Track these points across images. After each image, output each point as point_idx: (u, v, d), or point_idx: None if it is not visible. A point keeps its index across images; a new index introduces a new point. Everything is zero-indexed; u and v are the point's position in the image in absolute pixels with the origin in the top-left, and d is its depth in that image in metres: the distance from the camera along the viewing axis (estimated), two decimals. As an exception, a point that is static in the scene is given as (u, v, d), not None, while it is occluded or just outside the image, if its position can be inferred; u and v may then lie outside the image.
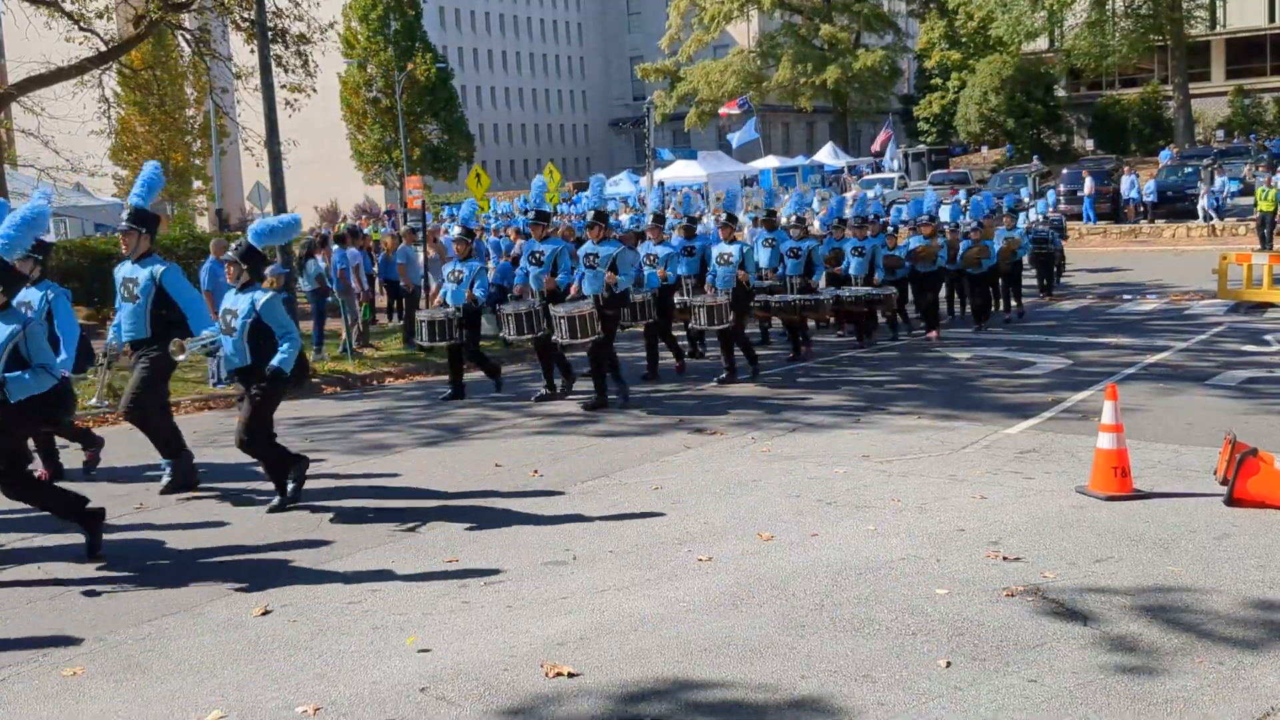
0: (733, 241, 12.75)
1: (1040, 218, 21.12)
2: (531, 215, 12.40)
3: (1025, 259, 19.71)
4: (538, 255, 11.80)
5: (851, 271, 14.95)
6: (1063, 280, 22.30)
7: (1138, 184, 34.39)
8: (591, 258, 11.57)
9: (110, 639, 5.54)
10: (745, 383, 12.29)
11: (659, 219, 14.09)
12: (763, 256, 13.92)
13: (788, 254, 14.17)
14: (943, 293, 17.03)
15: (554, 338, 11.47)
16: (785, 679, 4.76)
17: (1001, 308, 17.43)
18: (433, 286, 13.97)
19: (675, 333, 14.15)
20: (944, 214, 19.06)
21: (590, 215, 12.25)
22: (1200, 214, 32.31)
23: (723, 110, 46.70)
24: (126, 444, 10.04)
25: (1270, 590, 5.58)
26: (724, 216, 13.28)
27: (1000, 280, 17.13)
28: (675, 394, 11.98)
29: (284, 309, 7.93)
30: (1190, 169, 34.66)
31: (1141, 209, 34.20)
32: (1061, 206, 27.88)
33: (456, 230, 11.37)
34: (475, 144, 57.72)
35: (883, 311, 15.41)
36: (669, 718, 4.49)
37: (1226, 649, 4.92)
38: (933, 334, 15.55)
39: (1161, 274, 22.81)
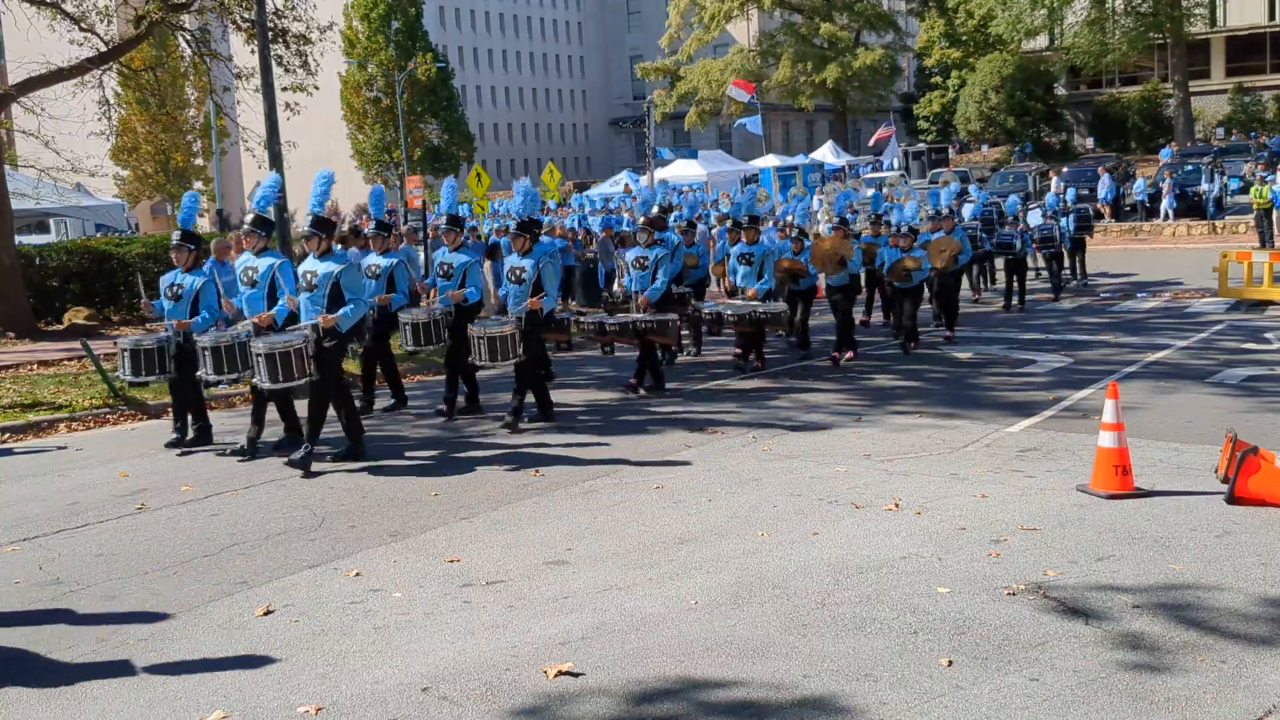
0: (527, 254, 10.49)
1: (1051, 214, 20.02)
2: (250, 221, 9.74)
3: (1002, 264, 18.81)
4: (251, 272, 9.48)
5: (739, 282, 13.15)
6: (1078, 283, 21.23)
7: (1111, 184, 34.39)
8: (636, 263, 11.25)
9: (112, 639, 5.55)
10: (536, 426, 10.46)
11: (454, 221, 11.42)
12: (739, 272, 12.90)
13: (633, 264, 12.14)
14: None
15: (254, 380, 9.31)
16: (787, 678, 4.76)
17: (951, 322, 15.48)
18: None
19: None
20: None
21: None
22: (1162, 213, 33.42)
23: (735, 82, 46.57)
24: (131, 444, 10.05)
25: (1272, 588, 5.58)
26: (513, 224, 10.85)
27: (946, 292, 15.23)
28: (675, 393, 11.98)
29: None
30: (1190, 167, 34.71)
31: (1129, 209, 34.43)
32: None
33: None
34: (475, 143, 57.81)
35: (775, 330, 13.41)
36: (670, 717, 4.49)
37: (1229, 647, 4.92)
38: (848, 355, 13.62)
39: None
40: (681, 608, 5.62)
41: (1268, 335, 14.23)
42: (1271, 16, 56.32)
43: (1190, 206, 32.99)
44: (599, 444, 9.67)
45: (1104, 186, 34.16)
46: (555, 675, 4.86)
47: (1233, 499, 7.00)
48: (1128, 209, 34.56)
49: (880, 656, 4.93)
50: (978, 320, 17.01)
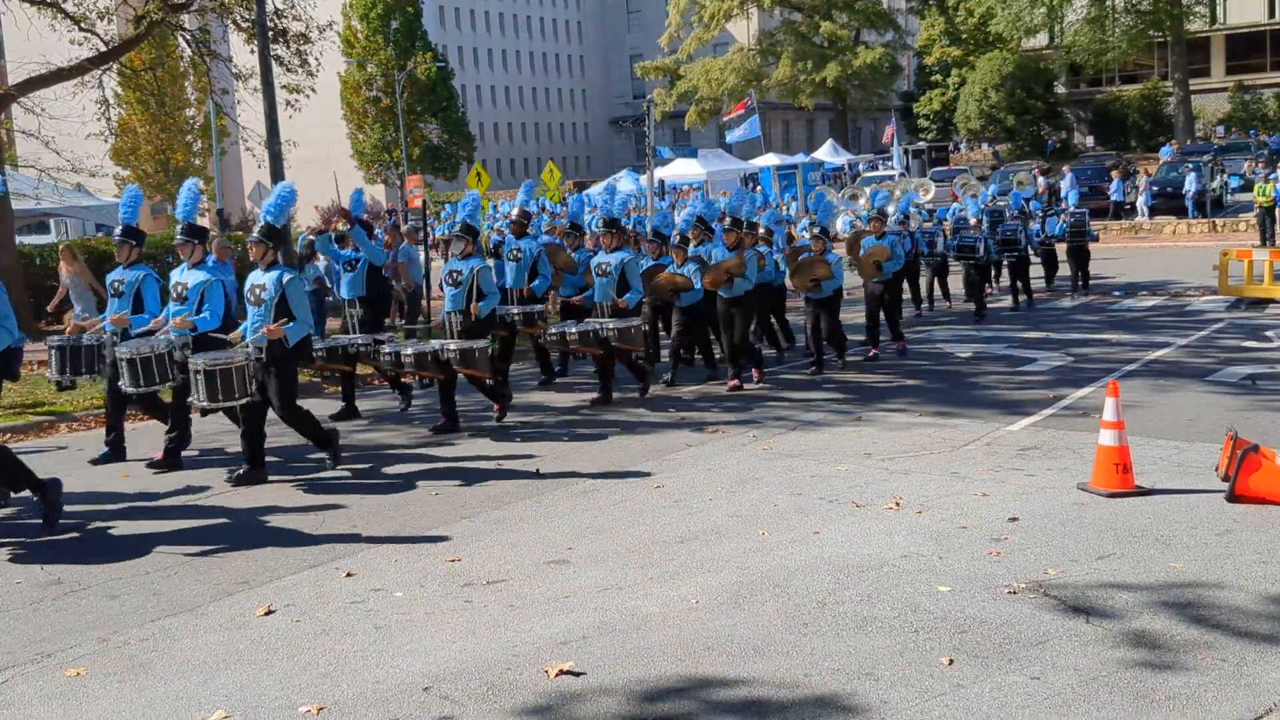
0: (272, 267, 8.69)
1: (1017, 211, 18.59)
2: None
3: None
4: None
5: (596, 298, 11.53)
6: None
7: (1075, 183, 34.09)
8: (449, 278, 10.02)
9: (114, 639, 5.55)
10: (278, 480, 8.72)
11: (192, 231, 9.26)
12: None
13: (446, 280, 10.58)
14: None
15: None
16: (788, 677, 4.76)
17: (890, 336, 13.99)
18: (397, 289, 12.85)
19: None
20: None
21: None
22: (1139, 211, 33.67)
23: (730, 112, 46.67)
24: (131, 444, 10.03)
25: (1273, 586, 5.58)
26: (258, 230, 8.94)
27: (877, 306, 13.63)
28: (675, 391, 11.97)
29: None
30: (1191, 164, 34.72)
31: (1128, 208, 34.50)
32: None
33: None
34: (475, 143, 57.80)
35: (631, 351, 11.36)
36: (672, 716, 4.49)
37: (1230, 645, 4.92)
38: (732, 381, 11.84)
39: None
40: (682, 607, 5.63)
41: (1268, 333, 14.22)
42: (1271, 14, 56.37)
43: (1180, 207, 32.98)
44: (599, 444, 9.67)
45: (1068, 185, 33.53)
46: (556, 674, 4.86)
47: (1233, 497, 7.00)
48: (1127, 208, 34.56)
49: (881, 655, 4.93)
50: (975, 319, 16.98)
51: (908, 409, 10.55)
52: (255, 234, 8.86)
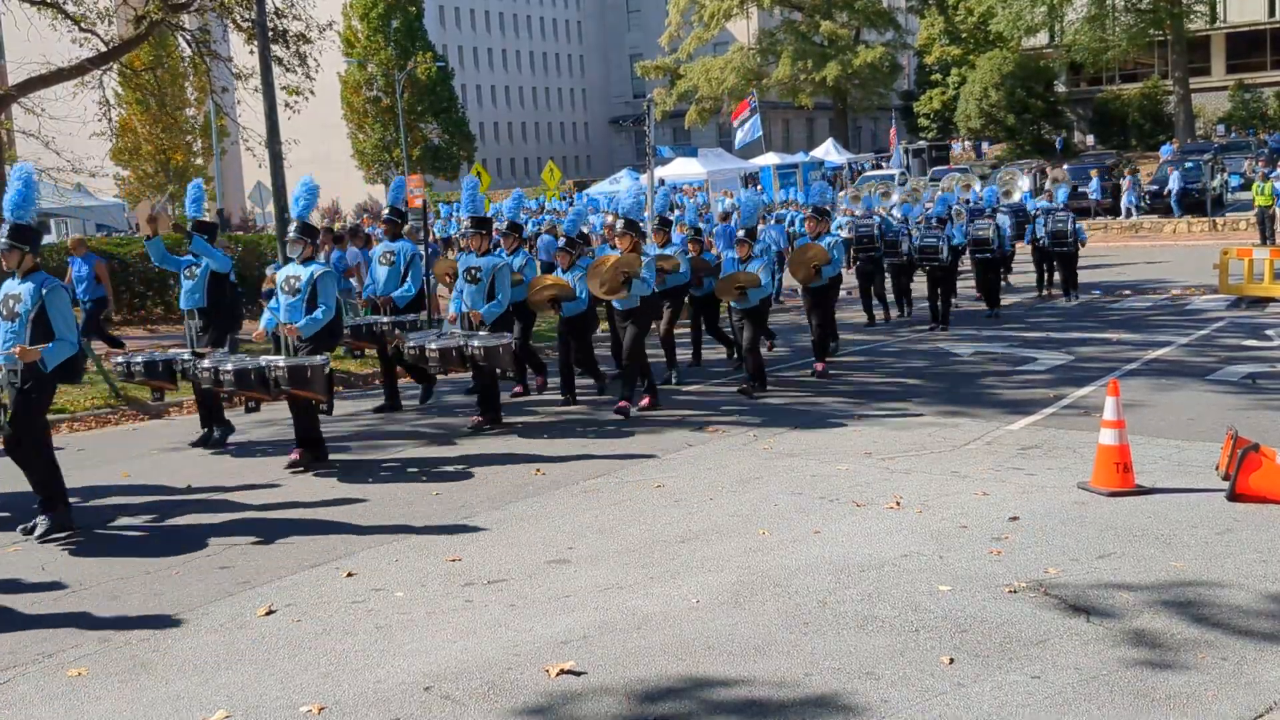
0: (30, 274, 7.37)
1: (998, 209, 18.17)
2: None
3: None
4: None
5: (464, 304, 10.50)
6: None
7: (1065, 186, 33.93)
8: (286, 285, 8.93)
9: (115, 639, 5.55)
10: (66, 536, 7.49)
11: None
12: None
13: (283, 287, 9.16)
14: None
15: None
16: (789, 676, 4.76)
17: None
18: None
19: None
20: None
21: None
22: (1123, 211, 33.66)
23: (734, 114, 46.67)
24: (129, 446, 10.05)
25: (1273, 584, 5.59)
26: (4, 232, 7.46)
27: (817, 315, 12.51)
28: (675, 392, 11.97)
29: None
30: (1191, 164, 34.72)
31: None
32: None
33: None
34: (476, 142, 57.87)
35: (501, 371, 10.13)
36: (673, 716, 4.49)
37: (1230, 644, 4.92)
38: (644, 401, 10.83)
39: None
40: (683, 606, 5.63)
41: (1268, 332, 14.22)
42: (1272, 13, 56.39)
43: (1166, 206, 32.97)
44: (599, 444, 9.68)
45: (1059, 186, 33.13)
46: (557, 674, 4.87)
47: (1234, 496, 7.00)
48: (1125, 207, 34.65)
49: (882, 654, 4.94)
50: (976, 320, 16.99)
51: (908, 408, 10.55)
52: (2, 238, 7.36)
